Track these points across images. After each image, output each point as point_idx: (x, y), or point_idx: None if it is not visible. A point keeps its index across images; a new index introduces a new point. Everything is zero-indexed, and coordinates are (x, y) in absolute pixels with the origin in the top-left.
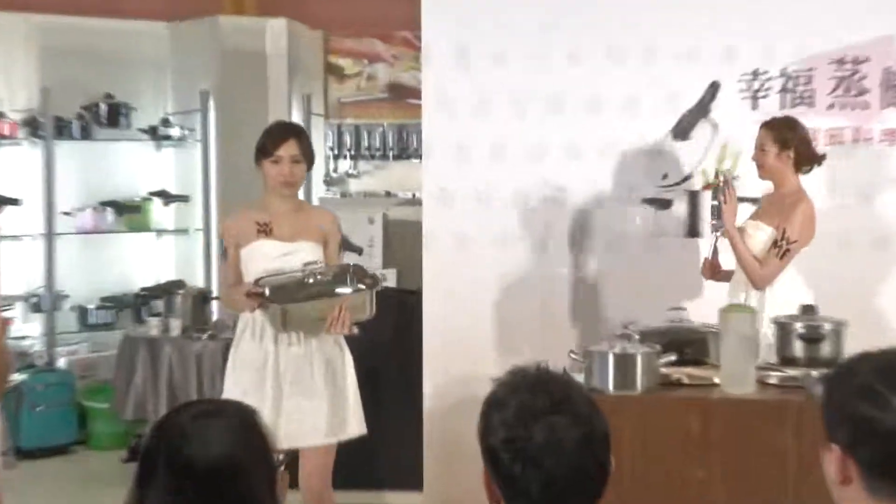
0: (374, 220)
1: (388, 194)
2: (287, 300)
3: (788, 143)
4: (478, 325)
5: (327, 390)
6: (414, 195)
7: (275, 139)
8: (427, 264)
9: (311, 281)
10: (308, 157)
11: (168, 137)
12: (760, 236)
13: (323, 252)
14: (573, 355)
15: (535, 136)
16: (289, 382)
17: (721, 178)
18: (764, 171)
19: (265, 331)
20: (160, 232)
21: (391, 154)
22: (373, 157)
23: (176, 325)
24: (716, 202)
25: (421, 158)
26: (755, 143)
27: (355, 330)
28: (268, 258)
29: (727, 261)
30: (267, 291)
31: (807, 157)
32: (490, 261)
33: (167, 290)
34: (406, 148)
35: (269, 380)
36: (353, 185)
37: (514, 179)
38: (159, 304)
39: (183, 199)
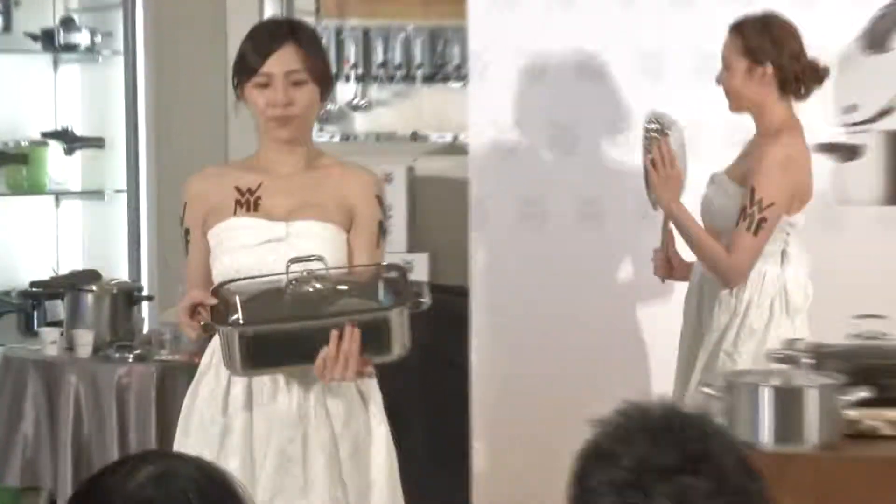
0: (392, 176)
1: (414, 137)
2: (253, 320)
3: (761, 54)
4: (558, 344)
5: (336, 483)
6: (455, 138)
7: (259, 47)
8: (477, 248)
9: (303, 290)
10: (318, 72)
11: (71, 48)
12: (727, 204)
13: (346, 241)
14: (706, 389)
15: (647, 38)
16: (269, 466)
17: (652, 125)
18: (732, 99)
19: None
20: (60, 195)
21: (419, 74)
22: (391, 78)
23: (85, 340)
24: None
25: (465, 80)
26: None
27: (369, 371)
28: (244, 248)
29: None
30: (216, 304)
31: (795, 74)
32: (576, 241)
33: (71, 286)
34: (443, 64)
35: (235, 456)
36: (360, 123)
37: (612, 110)
38: (59, 308)
39: (95, 143)
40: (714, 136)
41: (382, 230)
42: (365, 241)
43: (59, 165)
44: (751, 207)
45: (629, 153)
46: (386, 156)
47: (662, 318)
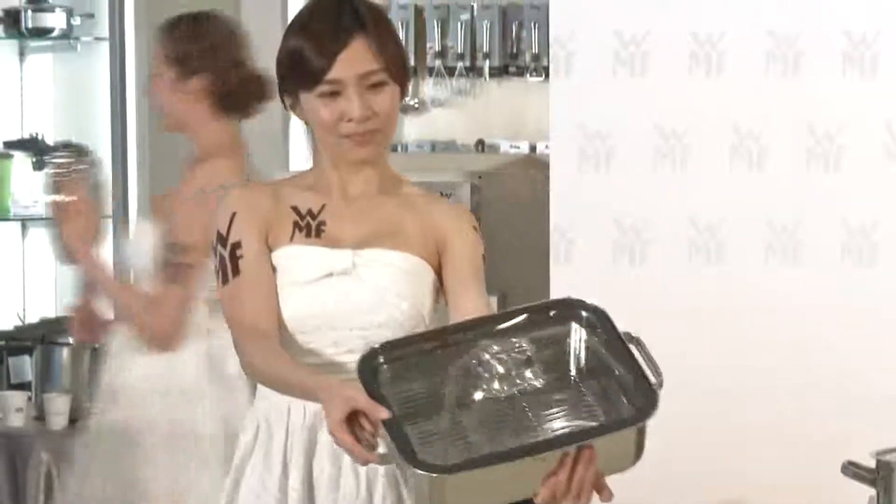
0: (452, 192)
1: (480, 146)
2: (453, 458)
3: (189, 63)
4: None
5: None
6: (533, 148)
7: (321, 43)
8: (560, 287)
9: (477, 377)
10: (398, 67)
11: (42, 32)
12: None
13: (433, 282)
14: (853, 467)
15: (779, 18)
16: None
17: (61, 159)
18: (164, 117)
19: (293, 454)
20: (28, 221)
21: (487, 66)
22: (450, 71)
23: (60, 408)
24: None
25: (546, 74)
26: None
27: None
28: (295, 285)
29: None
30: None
31: (231, 88)
32: (687, 278)
33: (42, 338)
34: (517, 54)
35: None
36: (411, 129)
37: (733, 111)
38: (26, 366)
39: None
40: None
41: (485, 264)
42: (472, 278)
43: (26, 183)
44: (167, 252)
45: (755, 168)
46: (444, 170)
47: (799, 372)
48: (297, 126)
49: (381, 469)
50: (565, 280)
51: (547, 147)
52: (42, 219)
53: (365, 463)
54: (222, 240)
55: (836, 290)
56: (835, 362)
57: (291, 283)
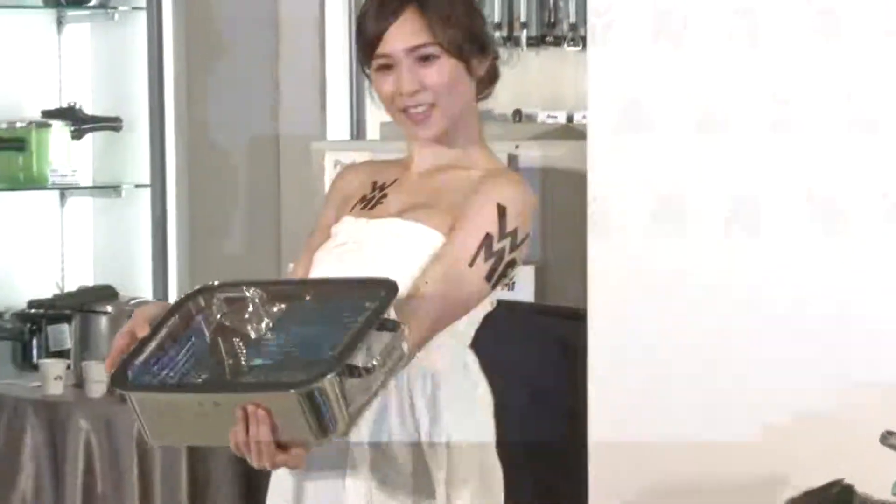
0: None
1: (517, 117)
2: (142, 381)
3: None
4: (700, 385)
5: None
6: (570, 118)
7: (376, 13)
8: (598, 259)
9: (243, 330)
10: (457, 40)
11: (80, 1)
12: None
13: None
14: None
15: None
16: None
17: None
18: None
19: None
20: (66, 190)
21: (524, 35)
22: None
23: (98, 376)
24: None
25: (583, 44)
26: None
27: (297, 460)
28: (320, 251)
29: None
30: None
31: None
32: (726, 251)
33: (81, 307)
34: (554, 23)
35: None
36: None
37: (774, 81)
38: (65, 334)
39: (111, 125)
40: None
41: (492, 252)
42: (450, 247)
43: (64, 152)
44: None
45: (794, 139)
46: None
47: (842, 354)
48: (333, 97)
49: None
50: (603, 251)
51: (584, 117)
52: (79, 188)
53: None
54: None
55: (881, 264)
56: (876, 340)
57: (321, 250)
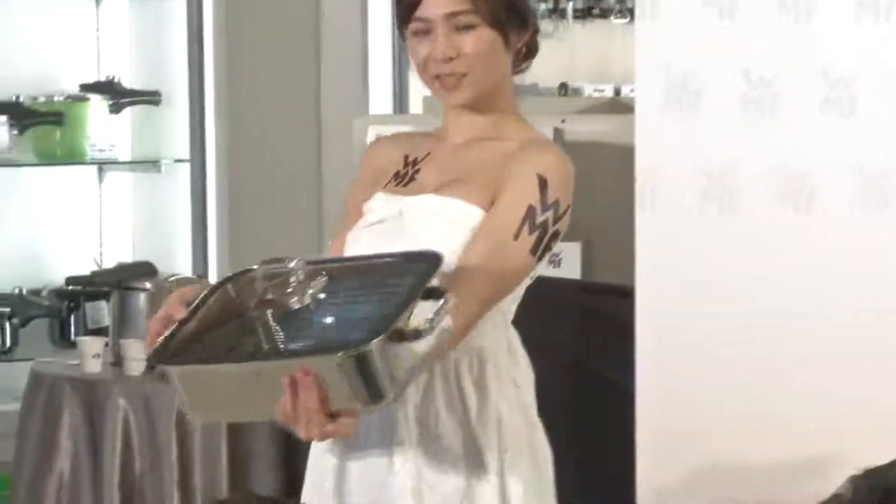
0: None
1: (563, 90)
2: (182, 353)
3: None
4: (751, 363)
5: None
6: (618, 92)
7: None
8: (646, 235)
9: (286, 302)
10: (494, 10)
11: None
12: None
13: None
14: None
15: None
16: None
17: None
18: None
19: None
20: (104, 165)
21: (570, 7)
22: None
23: (137, 353)
24: None
25: (631, 16)
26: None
27: (348, 428)
28: (355, 230)
29: None
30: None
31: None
32: (775, 228)
33: (119, 283)
34: None
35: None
36: None
37: (822, 58)
38: (103, 311)
39: (149, 99)
40: None
41: (536, 225)
42: (493, 220)
43: (102, 127)
44: None
45: (845, 116)
46: (525, 114)
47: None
48: (376, 71)
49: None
50: (652, 226)
51: (632, 90)
52: (118, 162)
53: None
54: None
55: None
56: None
57: (356, 228)
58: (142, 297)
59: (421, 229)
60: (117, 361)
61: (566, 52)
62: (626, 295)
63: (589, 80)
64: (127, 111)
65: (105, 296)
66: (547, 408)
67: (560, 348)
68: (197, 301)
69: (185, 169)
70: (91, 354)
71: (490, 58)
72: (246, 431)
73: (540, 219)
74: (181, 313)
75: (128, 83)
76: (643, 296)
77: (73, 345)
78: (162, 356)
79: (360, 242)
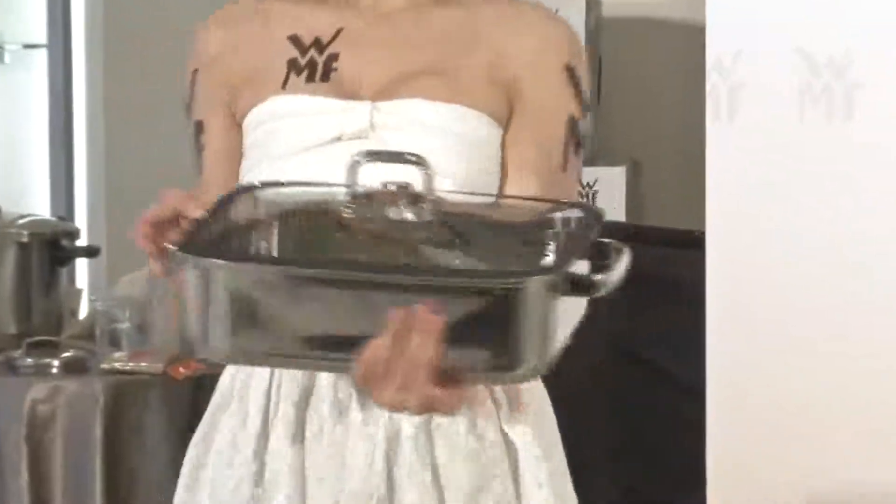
0: (558, 7)
1: None
2: (252, 254)
3: None
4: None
5: None
6: None
7: None
8: (720, 152)
9: (383, 223)
10: None
11: None
12: None
13: (500, 144)
14: None
15: None
16: None
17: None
18: None
19: (279, 401)
20: None
21: None
22: None
23: None
24: None
25: None
26: None
27: (456, 403)
28: (296, 154)
29: None
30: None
31: None
32: None
33: None
34: None
35: None
36: None
37: None
38: None
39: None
40: None
41: (575, 133)
42: (533, 149)
43: None
44: None
45: None
46: None
47: None
48: None
49: (406, 430)
50: (730, 142)
51: None
52: None
53: (157, 268)
54: (187, 111)
55: None
56: None
57: (277, 154)
58: None
59: (412, 145)
60: None
61: None
62: (692, 245)
63: None
64: None
65: None
66: (578, 405)
67: (596, 326)
68: (222, 197)
69: (41, 57)
70: None
71: None
72: (130, 441)
73: (582, 130)
74: (194, 211)
75: None
76: (716, 244)
77: None
78: (191, 246)
79: (309, 167)
